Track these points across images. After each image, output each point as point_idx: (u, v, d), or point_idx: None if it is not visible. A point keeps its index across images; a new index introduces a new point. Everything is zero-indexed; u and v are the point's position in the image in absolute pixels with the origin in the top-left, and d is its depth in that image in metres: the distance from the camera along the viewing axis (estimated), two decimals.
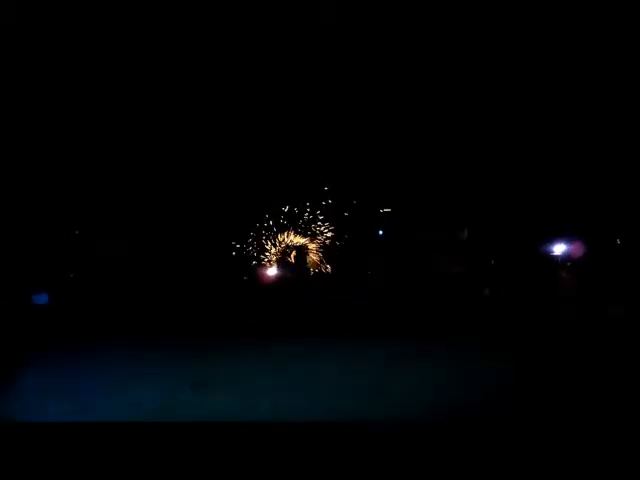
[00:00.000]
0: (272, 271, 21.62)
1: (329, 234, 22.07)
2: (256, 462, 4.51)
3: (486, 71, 20.31)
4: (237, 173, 21.39)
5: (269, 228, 21.95)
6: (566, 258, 18.80)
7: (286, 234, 22.06)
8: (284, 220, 21.91)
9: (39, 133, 19.02)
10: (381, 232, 22.56)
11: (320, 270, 22.08)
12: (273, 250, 21.93)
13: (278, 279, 20.98)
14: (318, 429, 5.34)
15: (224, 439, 5.17)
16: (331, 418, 5.80)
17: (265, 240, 21.92)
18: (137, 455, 4.77)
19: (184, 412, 6.18)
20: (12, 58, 17.98)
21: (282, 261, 21.90)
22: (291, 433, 5.22)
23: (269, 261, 21.81)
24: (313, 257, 22.24)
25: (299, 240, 22.13)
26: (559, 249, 18.93)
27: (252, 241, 21.62)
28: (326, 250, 22.00)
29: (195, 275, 19.36)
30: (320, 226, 22.09)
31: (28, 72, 18.72)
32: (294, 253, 22.06)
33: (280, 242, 21.97)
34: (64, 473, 4.42)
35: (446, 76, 20.62)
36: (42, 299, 15.08)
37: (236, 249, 21.23)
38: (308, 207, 22.06)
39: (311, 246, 22.16)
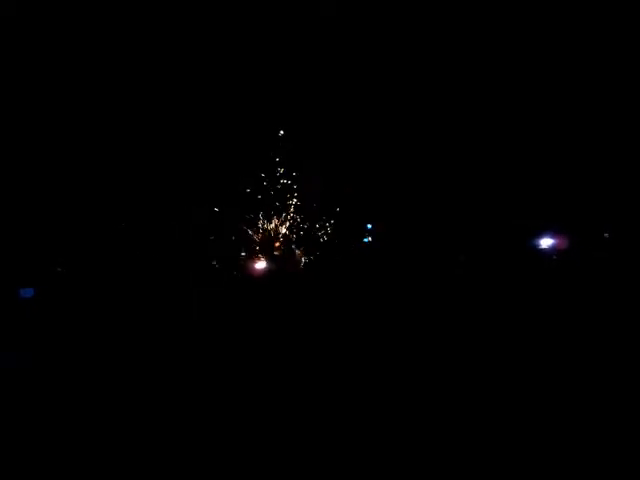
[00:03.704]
0: (261, 265, 21.83)
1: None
2: None
3: (485, 69, 20.03)
4: (233, 169, 21.64)
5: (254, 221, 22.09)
6: (553, 251, 18.47)
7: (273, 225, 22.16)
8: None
9: (34, 129, 19.36)
10: (369, 226, 22.31)
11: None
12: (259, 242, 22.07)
13: (268, 272, 21.16)
14: None
15: None
16: None
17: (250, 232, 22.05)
18: None
19: None
20: (11, 51, 18.33)
21: (270, 255, 22.08)
22: None
23: (256, 255, 22.03)
24: (300, 251, 22.32)
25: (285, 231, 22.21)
26: (546, 243, 18.69)
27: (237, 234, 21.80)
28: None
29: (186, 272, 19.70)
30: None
31: (28, 67, 18.98)
32: (281, 246, 22.19)
33: (266, 232, 22.08)
34: None
35: (443, 73, 20.40)
36: (28, 293, 15.70)
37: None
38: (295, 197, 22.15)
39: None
